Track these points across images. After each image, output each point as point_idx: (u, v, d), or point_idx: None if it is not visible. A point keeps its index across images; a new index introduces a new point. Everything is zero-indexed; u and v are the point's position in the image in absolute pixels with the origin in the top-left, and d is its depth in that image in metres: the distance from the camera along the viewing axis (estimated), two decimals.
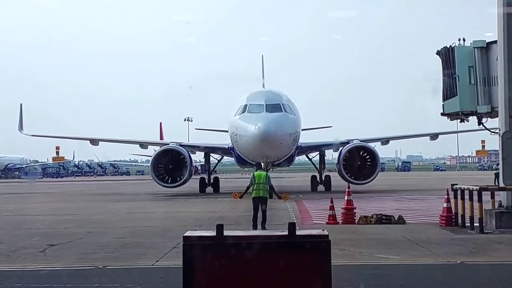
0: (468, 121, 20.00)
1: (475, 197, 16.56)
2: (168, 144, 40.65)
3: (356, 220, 19.07)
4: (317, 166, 43.82)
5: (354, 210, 19.51)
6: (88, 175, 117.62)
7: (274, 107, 33.07)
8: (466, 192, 17.21)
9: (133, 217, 23.65)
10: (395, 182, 53.72)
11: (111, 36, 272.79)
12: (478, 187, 16.65)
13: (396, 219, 18.84)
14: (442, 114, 20.18)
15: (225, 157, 47.04)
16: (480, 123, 19.26)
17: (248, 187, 18.39)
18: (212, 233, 5.31)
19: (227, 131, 37.79)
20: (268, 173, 18.44)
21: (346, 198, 19.59)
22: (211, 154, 45.28)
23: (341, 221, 19.11)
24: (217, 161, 47.86)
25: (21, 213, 26.62)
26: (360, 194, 30.35)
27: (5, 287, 10.22)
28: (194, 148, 43.67)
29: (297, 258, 5.19)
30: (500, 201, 17.47)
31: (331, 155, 54.67)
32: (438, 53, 19.95)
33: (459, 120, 20.40)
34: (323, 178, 41.32)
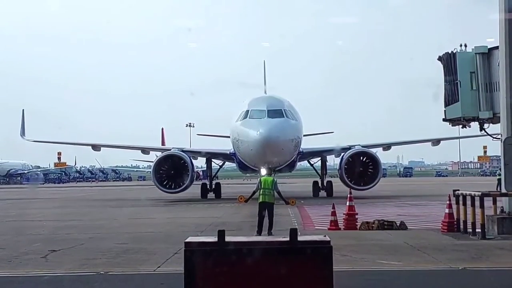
0: (470, 126, 19.99)
1: (477, 203, 16.54)
2: (170, 149, 40.67)
3: (358, 226, 19.04)
4: (319, 171, 43.79)
5: (356, 216, 19.48)
6: (89, 181, 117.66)
7: (276, 112, 33.10)
8: (468, 198, 17.19)
9: (135, 222, 23.64)
10: (397, 188, 53.65)
11: (112, 43, 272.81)
12: (480, 193, 16.62)
13: (398, 225, 18.81)
14: (444, 119, 20.17)
15: (226, 163, 47.03)
16: (482, 128, 19.24)
17: (254, 192, 18.41)
18: (214, 239, 5.31)
19: (229, 137, 37.81)
20: (275, 179, 18.41)
21: (348, 204, 19.57)
22: (212, 159, 45.28)
23: (343, 227, 19.09)
24: (218, 167, 47.85)
25: (23, 218, 26.61)
26: (362, 200, 30.32)
27: None
28: (195, 153, 43.67)
29: (298, 264, 5.19)
30: (502, 207, 17.44)
31: (333, 161, 54.59)
32: (439, 59, 19.95)
33: (461, 126, 20.40)
34: (325, 184, 41.30)
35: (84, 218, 25.80)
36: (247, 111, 33.57)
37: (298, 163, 42.94)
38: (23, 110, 48.26)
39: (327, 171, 44.86)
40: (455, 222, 17.66)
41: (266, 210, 17.55)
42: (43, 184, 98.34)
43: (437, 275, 11.36)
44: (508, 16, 17.13)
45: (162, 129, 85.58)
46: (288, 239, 5.22)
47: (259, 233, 17.15)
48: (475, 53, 18.77)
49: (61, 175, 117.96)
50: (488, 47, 18.85)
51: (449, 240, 16.09)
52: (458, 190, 18.04)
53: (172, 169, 37.70)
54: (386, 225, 18.75)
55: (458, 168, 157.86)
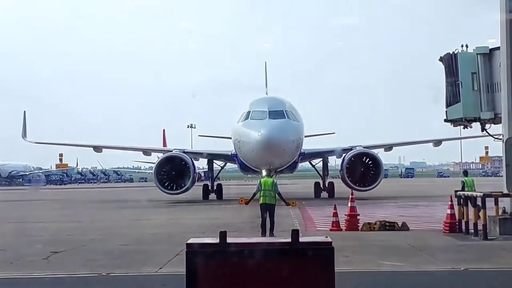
0: (471, 127, 19.99)
1: (479, 204, 16.53)
2: (171, 151, 40.68)
3: (360, 227, 19.03)
4: (321, 172, 43.78)
5: (358, 217, 19.47)
6: (91, 182, 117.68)
7: (277, 113, 33.10)
8: (470, 199, 17.18)
9: (136, 224, 23.64)
10: (399, 189, 53.62)
11: (113, 44, 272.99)
12: (481, 194, 16.62)
13: (399, 225, 18.80)
14: (446, 120, 20.16)
15: (228, 164, 47.03)
16: (483, 129, 19.24)
17: (254, 194, 18.39)
18: (215, 240, 5.31)
19: (230, 138, 37.80)
20: (275, 180, 18.39)
21: (349, 205, 19.56)
22: (214, 161, 45.27)
23: (345, 227, 19.08)
24: (220, 168, 47.82)
25: (25, 220, 26.63)
26: (364, 201, 30.29)
27: None
28: (197, 155, 43.66)
29: (300, 265, 5.18)
30: (504, 207, 17.44)
31: (335, 162, 54.56)
32: (441, 59, 19.95)
33: (462, 127, 20.40)
34: (327, 185, 41.28)
35: (86, 219, 25.81)
36: (249, 112, 33.57)
37: (300, 164, 42.93)
38: (24, 111, 48.23)
39: (329, 172, 44.84)
40: (457, 223, 17.65)
41: (268, 212, 17.54)
42: (44, 185, 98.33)
43: (439, 276, 11.36)
44: (509, 17, 17.13)
45: (164, 130, 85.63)
46: (289, 240, 5.22)
47: (264, 234, 17.14)
48: (477, 54, 18.76)
49: (63, 176, 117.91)
50: (490, 47, 18.85)
51: (451, 241, 16.09)
52: (460, 190, 18.01)
53: (173, 171, 37.68)
54: (388, 226, 18.74)
55: (460, 169, 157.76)
